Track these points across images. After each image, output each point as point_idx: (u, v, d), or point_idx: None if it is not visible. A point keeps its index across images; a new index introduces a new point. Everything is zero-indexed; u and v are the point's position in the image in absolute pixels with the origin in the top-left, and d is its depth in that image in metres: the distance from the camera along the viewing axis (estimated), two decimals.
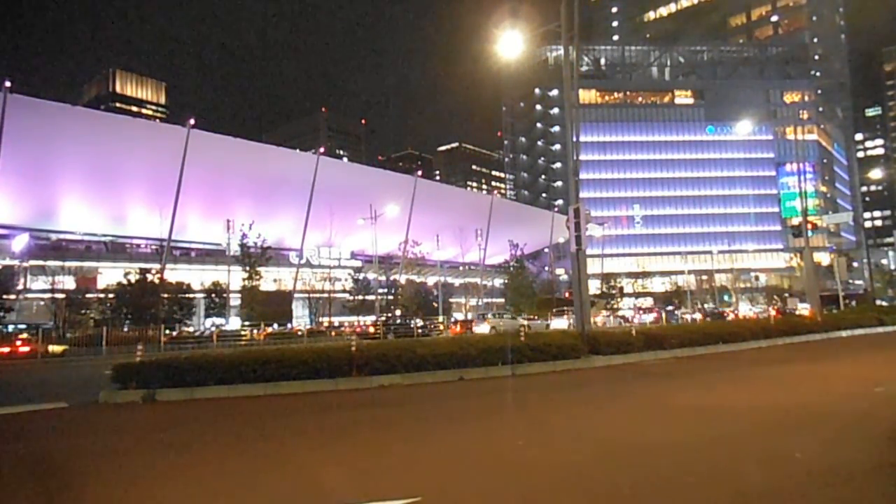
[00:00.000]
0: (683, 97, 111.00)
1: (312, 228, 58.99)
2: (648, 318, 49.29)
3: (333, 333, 41.08)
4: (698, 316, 54.30)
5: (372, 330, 37.63)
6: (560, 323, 42.50)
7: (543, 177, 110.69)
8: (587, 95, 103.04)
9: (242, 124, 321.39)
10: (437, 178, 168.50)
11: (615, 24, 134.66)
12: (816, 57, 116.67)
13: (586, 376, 14.22)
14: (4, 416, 10.28)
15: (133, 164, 48.73)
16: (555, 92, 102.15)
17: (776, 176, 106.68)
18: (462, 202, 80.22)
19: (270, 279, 53.25)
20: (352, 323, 51.15)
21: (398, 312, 51.96)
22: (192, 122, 49.62)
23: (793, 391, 11.05)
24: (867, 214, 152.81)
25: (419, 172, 73.72)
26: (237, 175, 52.98)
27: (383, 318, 43.43)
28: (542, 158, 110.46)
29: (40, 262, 45.86)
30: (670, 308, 62.82)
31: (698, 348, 18.91)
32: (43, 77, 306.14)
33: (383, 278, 57.10)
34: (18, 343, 27.10)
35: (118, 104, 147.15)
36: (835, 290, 44.46)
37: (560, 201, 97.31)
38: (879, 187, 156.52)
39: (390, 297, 55.86)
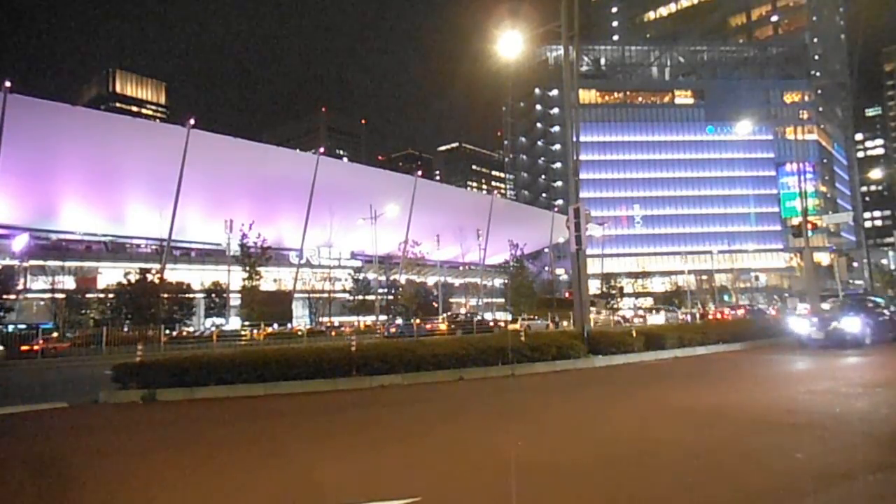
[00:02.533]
0: (683, 97, 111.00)
1: (312, 228, 59.00)
2: (738, 312, 51.55)
3: (333, 333, 41.14)
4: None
5: (443, 327, 38.23)
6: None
7: (543, 177, 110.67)
8: (587, 95, 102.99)
9: (242, 124, 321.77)
10: (437, 178, 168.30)
11: (615, 24, 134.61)
12: (816, 57, 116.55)
13: (586, 376, 14.22)
14: (4, 416, 10.28)
15: (133, 164, 48.75)
16: (555, 92, 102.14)
17: (776, 176, 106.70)
18: (462, 202, 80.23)
19: (270, 279, 53.24)
20: (352, 323, 51.16)
21: (462, 311, 53.07)
22: (192, 122, 49.66)
23: (792, 391, 11.04)
24: (867, 214, 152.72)
25: (419, 172, 73.83)
26: (237, 175, 52.99)
27: (448, 316, 44.73)
28: (542, 158, 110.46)
29: (40, 262, 45.94)
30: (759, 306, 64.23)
31: (699, 348, 18.93)
32: (43, 77, 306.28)
33: (383, 278, 57.11)
34: (40, 342, 27.61)
35: (118, 104, 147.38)
36: (835, 290, 44.40)
37: (560, 201, 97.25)
38: (879, 187, 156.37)
39: (390, 297, 55.89)
